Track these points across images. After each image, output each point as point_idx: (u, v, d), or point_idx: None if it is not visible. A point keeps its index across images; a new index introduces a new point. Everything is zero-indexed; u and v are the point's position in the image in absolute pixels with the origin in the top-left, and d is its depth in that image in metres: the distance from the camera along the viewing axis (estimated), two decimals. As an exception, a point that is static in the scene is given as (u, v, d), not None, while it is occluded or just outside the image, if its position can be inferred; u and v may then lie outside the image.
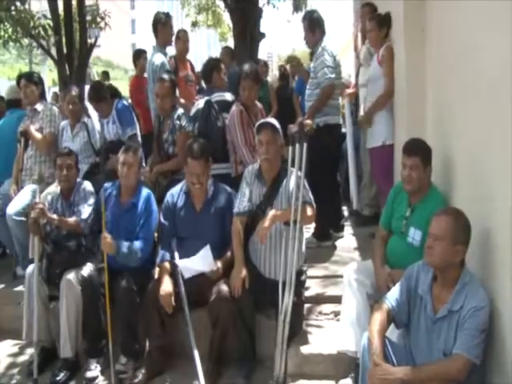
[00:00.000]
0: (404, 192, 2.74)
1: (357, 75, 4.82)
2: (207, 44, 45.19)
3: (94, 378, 2.97)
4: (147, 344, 3.06)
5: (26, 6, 8.80)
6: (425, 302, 2.22)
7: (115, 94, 4.32)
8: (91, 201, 3.32)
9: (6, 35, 8.60)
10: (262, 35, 9.05)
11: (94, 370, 3.00)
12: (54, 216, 3.21)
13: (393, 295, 2.31)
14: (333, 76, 3.87)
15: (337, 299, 3.03)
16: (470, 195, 2.45)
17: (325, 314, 3.12)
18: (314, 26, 3.99)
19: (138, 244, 3.10)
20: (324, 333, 2.96)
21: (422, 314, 2.23)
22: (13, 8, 8.33)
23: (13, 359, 3.30)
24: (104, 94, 4.09)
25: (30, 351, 3.32)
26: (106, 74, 8.06)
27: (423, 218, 2.58)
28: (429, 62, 3.25)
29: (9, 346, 3.46)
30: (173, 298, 2.89)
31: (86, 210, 3.27)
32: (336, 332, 2.77)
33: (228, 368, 2.91)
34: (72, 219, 3.25)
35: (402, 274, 2.40)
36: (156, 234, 3.30)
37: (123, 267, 3.08)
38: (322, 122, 3.92)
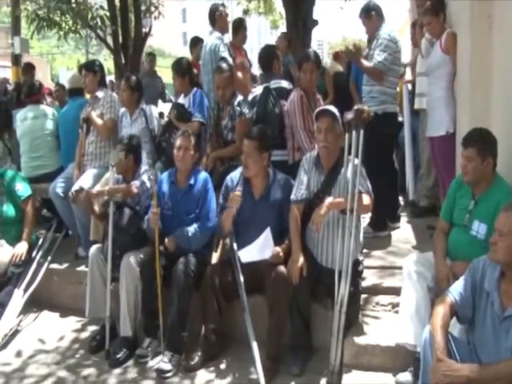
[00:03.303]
0: (466, 184, 2.63)
1: (414, 65, 4.64)
2: (257, 32, 45.04)
3: (145, 356, 3.04)
4: (203, 328, 3.09)
5: (85, -2, 9.12)
6: (492, 298, 2.11)
7: (195, 81, 4.37)
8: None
9: (67, 27, 8.97)
10: (315, 22, 8.82)
11: (146, 349, 3.07)
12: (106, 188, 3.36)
13: (456, 289, 2.22)
14: (386, 63, 3.76)
15: (394, 290, 2.97)
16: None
17: (382, 305, 3.05)
18: (369, 11, 3.93)
19: (195, 226, 3.18)
20: (381, 324, 2.91)
21: (488, 311, 2.12)
22: (73, 1, 8.66)
23: (76, 335, 3.47)
24: (188, 69, 4.18)
25: (91, 328, 3.49)
26: (153, 56, 8.01)
27: (488, 211, 2.47)
28: (496, 48, 3.07)
29: (72, 322, 3.63)
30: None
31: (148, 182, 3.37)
32: (394, 324, 2.71)
33: (283, 356, 2.89)
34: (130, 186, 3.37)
35: (464, 266, 2.31)
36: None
37: (182, 251, 3.15)
38: (380, 111, 3.81)
